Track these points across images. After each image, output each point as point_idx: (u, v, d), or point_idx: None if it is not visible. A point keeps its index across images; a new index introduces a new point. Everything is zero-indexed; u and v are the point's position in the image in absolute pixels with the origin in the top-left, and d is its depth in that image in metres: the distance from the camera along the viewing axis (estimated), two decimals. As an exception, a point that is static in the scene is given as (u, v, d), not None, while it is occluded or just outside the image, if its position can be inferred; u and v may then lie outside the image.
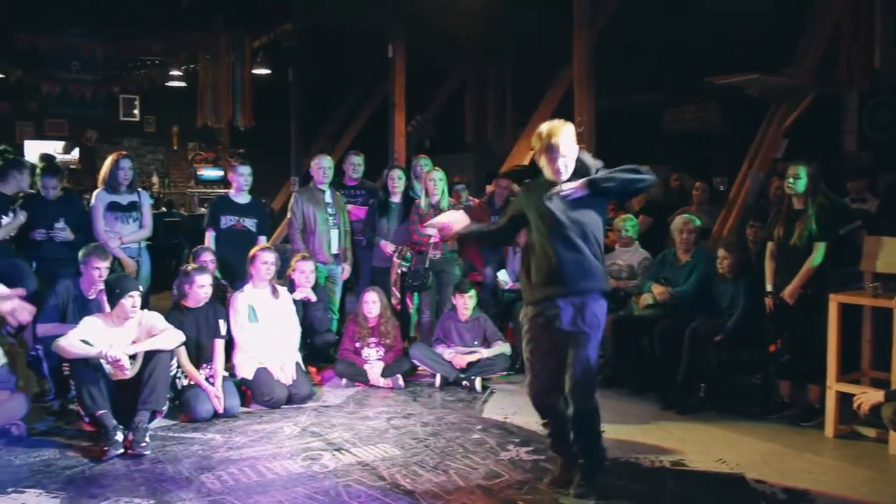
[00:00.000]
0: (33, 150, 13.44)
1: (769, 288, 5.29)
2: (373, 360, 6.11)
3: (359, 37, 10.61)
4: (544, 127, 3.78)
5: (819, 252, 5.02)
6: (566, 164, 3.74)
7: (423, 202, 6.70)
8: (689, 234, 5.93)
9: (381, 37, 10.03)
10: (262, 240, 6.64)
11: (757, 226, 6.08)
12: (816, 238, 5.02)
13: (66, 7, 11.59)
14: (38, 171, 6.40)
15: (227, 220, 6.56)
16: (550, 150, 3.73)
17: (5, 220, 5.92)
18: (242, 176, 6.64)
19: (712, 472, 4.31)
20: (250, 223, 6.61)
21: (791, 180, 5.11)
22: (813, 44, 6.92)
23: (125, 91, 13.46)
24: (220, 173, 15.60)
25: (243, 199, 6.69)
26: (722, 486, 4.15)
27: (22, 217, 5.97)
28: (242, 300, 5.74)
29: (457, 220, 4.18)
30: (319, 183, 6.78)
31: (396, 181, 6.92)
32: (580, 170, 3.76)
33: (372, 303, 6.17)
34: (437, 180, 6.64)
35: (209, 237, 6.53)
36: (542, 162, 3.79)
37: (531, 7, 9.08)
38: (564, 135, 3.73)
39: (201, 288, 5.38)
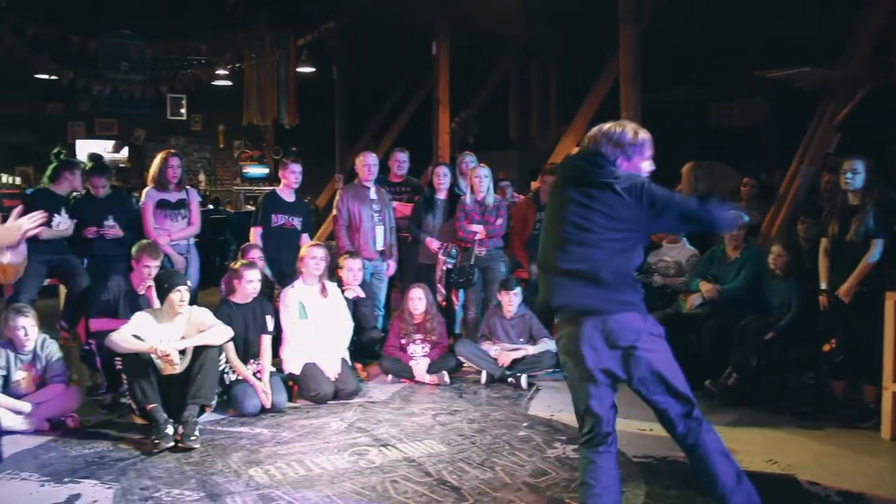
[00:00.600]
0: (84, 149, 13.75)
1: (823, 286, 5.18)
2: (418, 356, 6.12)
3: (402, 34, 10.63)
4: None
5: (876, 248, 4.90)
6: None
7: (468, 199, 6.68)
8: (738, 231, 5.84)
9: (424, 34, 10.05)
10: (306, 237, 6.69)
11: (808, 222, 5.95)
12: (874, 234, 4.91)
13: (116, 9, 11.82)
14: (86, 169, 6.53)
15: (277, 219, 6.60)
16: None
17: (57, 219, 6.05)
18: (294, 174, 6.69)
19: (763, 473, 4.21)
20: (297, 222, 6.67)
21: (848, 175, 5.00)
22: (865, 36, 6.77)
23: (172, 90, 13.65)
24: (266, 171, 15.78)
25: (291, 197, 6.74)
26: (773, 488, 4.05)
27: (65, 225, 6.09)
28: (293, 296, 5.79)
29: None
30: (365, 180, 6.80)
31: (442, 178, 6.91)
32: None
33: (418, 299, 6.19)
34: (482, 177, 6.61)
35: (256, 234, 6.58)
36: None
37: (575, 2, 9.01)
38: None
39: (249, 283, 5.44)
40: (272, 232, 6.57)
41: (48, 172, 6.28)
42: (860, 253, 4.95)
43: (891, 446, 4.67)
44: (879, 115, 7.29)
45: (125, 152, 14.96)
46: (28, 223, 3.01)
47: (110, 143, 14.73)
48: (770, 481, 4.12)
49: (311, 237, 6.96)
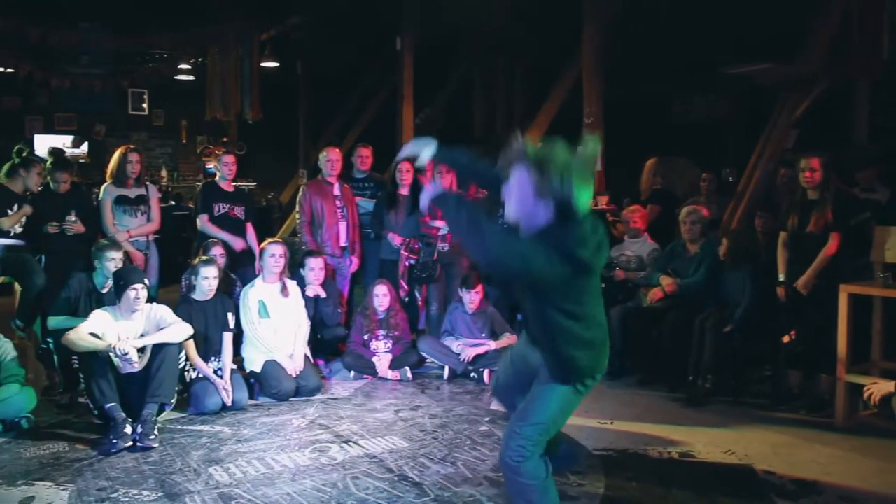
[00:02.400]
0: (43, 144, 13.49)
1: (782, 278, 5.27)
2: (381, 352, 6.11)
3: (367, 29, 10.57)
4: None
5: (834, 242, 4.99)
6: None
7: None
8: (693, 225, 5.91)
9: (389, 29, 10.01)
10: (249, 226, 6.69)
11: (765, 216, 6.04)
12: (832, 228, 5.00)
13: (76, 1, 11.60)
14: (47, 165, 6.42)
15: (220, 208, 6.58)
16: None
17: (10, 213, 5.96)
18: (227, 165, 6.69)
19: (721, 464, 4.30)
20: (240, 211, 6.66)
21: (806, 172, 5.09)
22: (823, 32, 6.86)
23: (134, 85, 13.45)
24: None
25: (231, 187, 6.75)
26: (730, 478, 4.13)
27: (27, 208, 6.02)
28: (253, 295, 5.74)
29: None
30: (328, 175, 6.77)
31: (405, 173, 6.89)
32: None
33: (382, 296, 6.17)
34: (444, 172, 6.60)
35: (203, 221, 6.52)
36: None
37: (541, -2, 9.04)
38: None
39: (205, 280, 5.39)
40: (217, 220, 6.55)
41: (4, 169, 6.17)
42: (819, 246, 5.04)
43: (844, 435, 4.75)
44: (837, 110, 7.41)
45: (85, 147, 14.72)
46: None
47: (69, 139, 14.48)
48: (727, 471, 4.20)
49: (254, 225, 6.92)
